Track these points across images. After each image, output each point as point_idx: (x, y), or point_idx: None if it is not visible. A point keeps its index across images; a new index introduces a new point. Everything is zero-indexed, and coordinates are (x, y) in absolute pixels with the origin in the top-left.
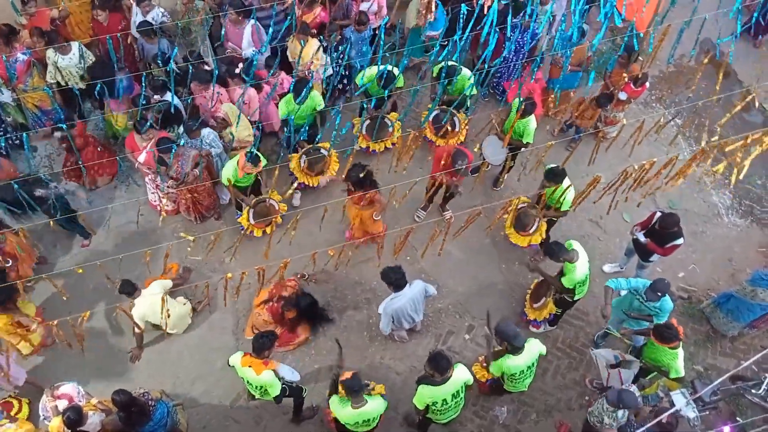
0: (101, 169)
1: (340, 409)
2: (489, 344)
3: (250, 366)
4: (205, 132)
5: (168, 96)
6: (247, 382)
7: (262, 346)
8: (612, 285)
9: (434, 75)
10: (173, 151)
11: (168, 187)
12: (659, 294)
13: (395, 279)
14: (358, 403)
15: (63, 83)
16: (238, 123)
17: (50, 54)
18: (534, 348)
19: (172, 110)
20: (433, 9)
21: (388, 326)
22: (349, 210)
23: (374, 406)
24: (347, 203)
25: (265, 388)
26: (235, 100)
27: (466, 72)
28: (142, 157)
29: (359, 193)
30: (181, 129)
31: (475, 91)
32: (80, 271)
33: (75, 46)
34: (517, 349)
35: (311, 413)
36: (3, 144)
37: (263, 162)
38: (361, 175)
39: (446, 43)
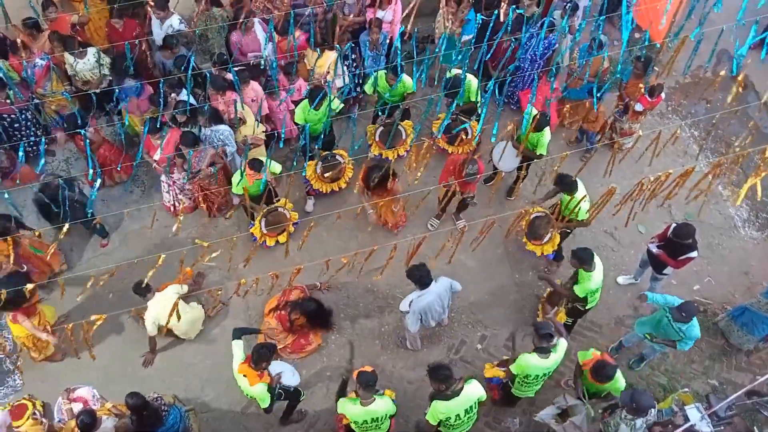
0: (118, 167)
1: (350, 407)
2: (513, 349)
3: (245, 375)
4: (222, 128)
5: (183, 95)
6: (241, 387)
7: (261, 358)
8: (648, 296)
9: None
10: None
11: (182, 179)
12: (684, 315)
13: (420, 276)
14: (367, 399)
15: (81, 84)
16: (257, 124)
17: (68, 57)
18: (558, 356)
19: (188, 110)
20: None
21: (416, 325)
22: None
23: (382, 405)
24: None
25: (256, 398)
26: (245, 98)
27: (470, 78)
28: (157, 155)
29: (378, 194)
30: (203, 129)
31: (476, 98)
32: (92, 277)
33: (91, 50)
34: (545, 351)
35: (299, 417)
36: (22, 152)
37: (272, 167)
38: (377, 177)
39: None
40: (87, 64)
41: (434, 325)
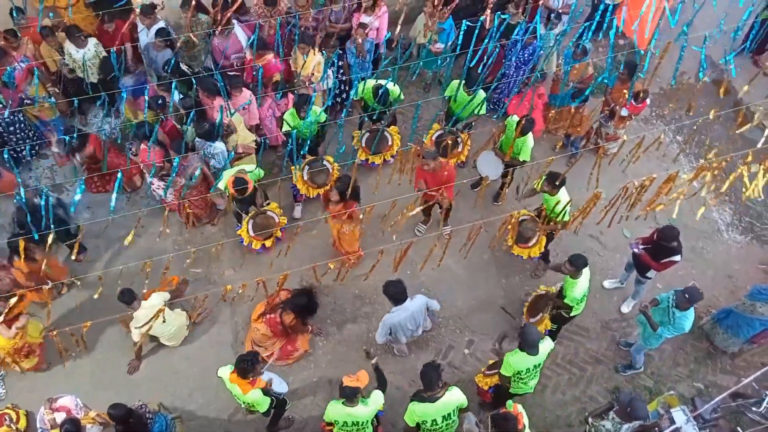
0: (133, 170)
1: (334, 408)
2: (499, 357)
3: (236, 384)
4: (216, 144)
5: (175, 97)
6: (235, 395)
7: (245, 371)
8: (659, 298)
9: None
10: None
11: (156, 189)
12: (687, 297)
13: (395, 293)
14: (351, 403)
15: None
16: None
17: (68, 47)
18: (545, 347)
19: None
20: (435, 23)
21: (383, 337)
22: (330, 223)
23: (365, 411)
24: (329, 216)
25: (253, 404)
26: (235, 104)
27: (480, 92)
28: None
29: (340, 206)
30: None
31: (481, 111)
32: (78, 283)
33: (91, 41)
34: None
35: (286, 424)
36: (6, 156)
37: (256, 175)
38: (347, 187)
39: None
40: (88, 54)
41: (404, 341)
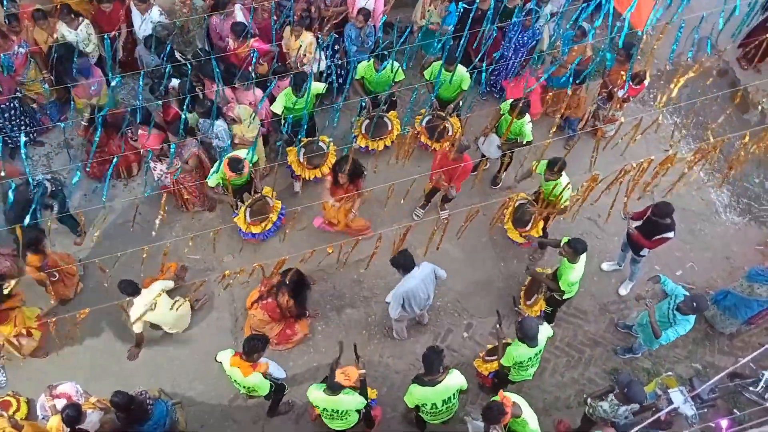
0: (130, 156)
1: (316, 392)
2: (499, 341)
3: (237, 367)
4: (218, 122)
5: (174, 82)
6: (234, 380)
7: (254, 349)
8: (661, 278)
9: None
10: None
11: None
12: (695, 305)
13: (404, 262)
14: (333, 393)
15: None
16: (251, 123)
17: (60, 27)
18: (543, 334)
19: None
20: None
21: (396, 310)
22: (326, 207)
23: (348, 400)
24: (325, 195)
25: (253, 388)
26: (242, 100)
27: (462, 71)
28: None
29: (344, 187)
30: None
31: (465, 86)
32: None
33: (84, 21)
34: (531, 340)
35: (286, 408)
36: (0, 146)
37: (250, 165)
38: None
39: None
40: (80, 35)
41: (418, 312)
